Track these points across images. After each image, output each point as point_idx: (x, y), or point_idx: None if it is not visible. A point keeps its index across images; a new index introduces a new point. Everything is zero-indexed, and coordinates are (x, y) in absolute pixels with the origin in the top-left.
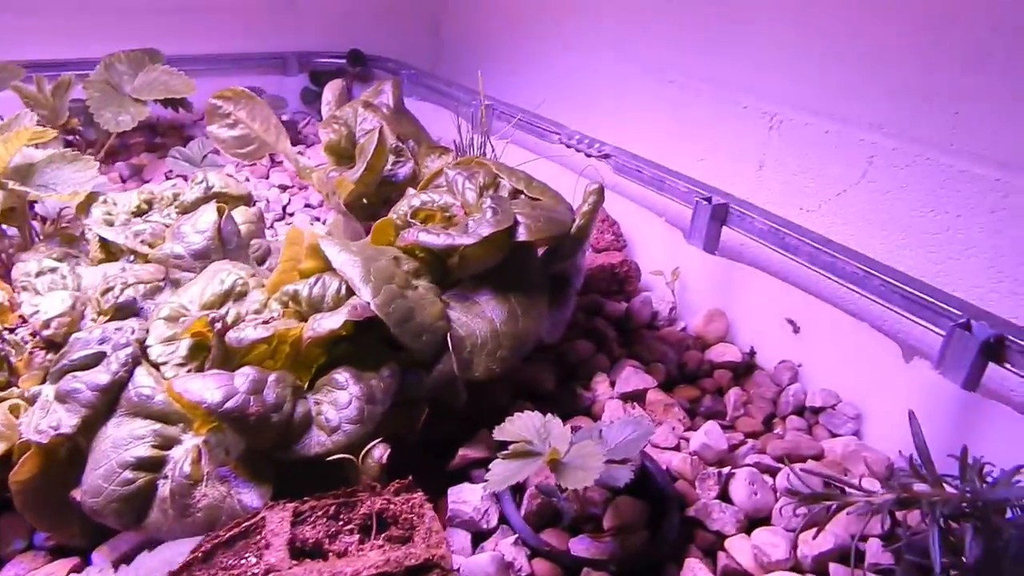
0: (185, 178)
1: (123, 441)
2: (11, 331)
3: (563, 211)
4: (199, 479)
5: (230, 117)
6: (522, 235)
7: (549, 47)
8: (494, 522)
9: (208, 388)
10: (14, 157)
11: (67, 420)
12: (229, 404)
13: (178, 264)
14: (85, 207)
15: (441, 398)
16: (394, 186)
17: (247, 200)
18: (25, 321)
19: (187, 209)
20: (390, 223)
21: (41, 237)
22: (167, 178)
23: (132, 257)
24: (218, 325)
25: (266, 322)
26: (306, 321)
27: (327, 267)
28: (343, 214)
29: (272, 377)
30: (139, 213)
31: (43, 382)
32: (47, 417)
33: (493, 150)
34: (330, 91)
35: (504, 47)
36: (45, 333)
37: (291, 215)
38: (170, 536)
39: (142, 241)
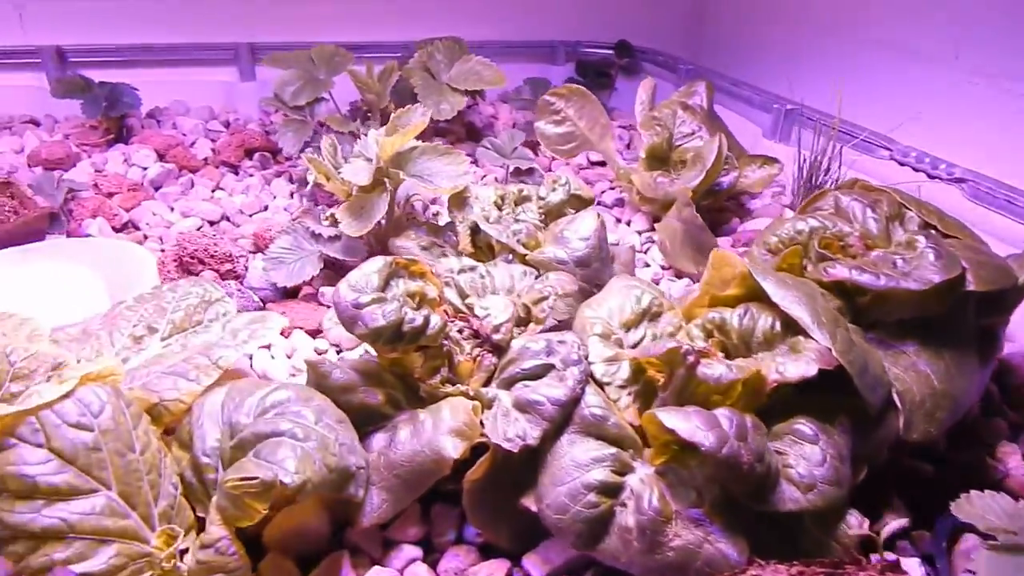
0: (497, 177)
1: (584, 462)
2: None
3: (997, 256)
4: (670, 516)
5: (560, 114)
6: (970, 284)
7: (837, 40)
8: None
9: (699, 429)
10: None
11: (531, 432)
12: (725, 450)
13: (560, 269)
14: (458, 200)
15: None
16: (717, 194)
17: (592, 203)
18: (457, 318)
19: (552, 211)
20: (798, 252)
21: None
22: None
23: (510, 256)
24: (691, 358)
25: (724, 355)
26: (728, 353)
27: (751, 296)
28: (684, 222)
29: (749, 423)
30: (496, 208)
31: (486, 384)
32: (511, 426)
33: (839, 167)
34: (644, 90)
35: (780, 39)
36: (495, 337)
37: None
38: (628, 567)
39: (518, 240)
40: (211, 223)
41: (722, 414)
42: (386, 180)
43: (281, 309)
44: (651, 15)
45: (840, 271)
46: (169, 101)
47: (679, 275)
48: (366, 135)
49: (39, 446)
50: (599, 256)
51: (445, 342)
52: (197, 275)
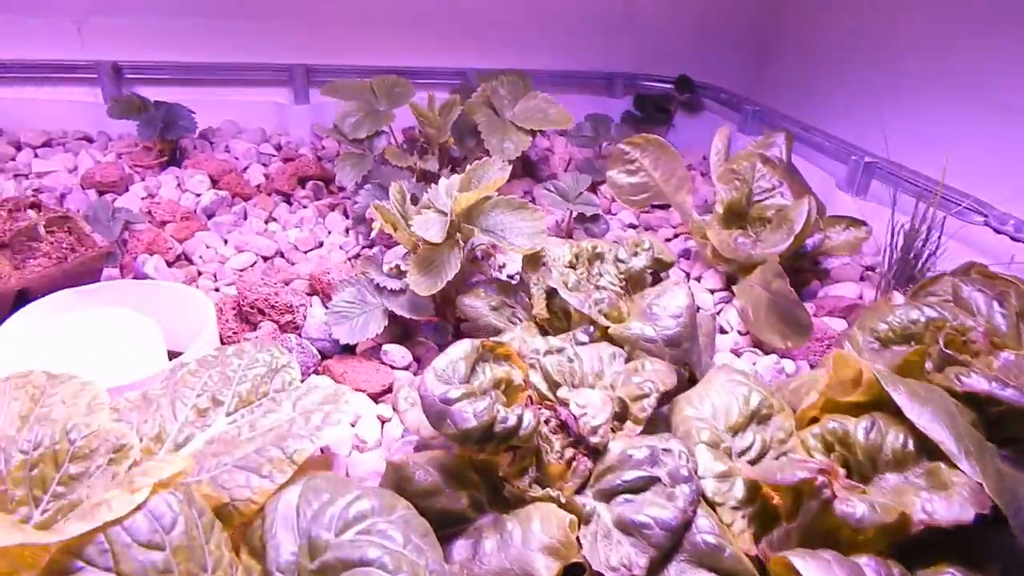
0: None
1: None
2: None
3: None
4: None
5: (634, 164)
6: None
7: (914, 87)
8: None
9: None
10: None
11: (637, 560)
12: None
13: (648, 348)
14: (533, 260)
15: None
16: (798, 257)
17: (672, 265)
18: (544, 406)
19: (634, 277)
20: (922, 354)
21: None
22: None
23: (591, 328)
24: (827, 492)
25: (858, 489)
26: (850, 470)
27: (875, 404)
28: (772, 294)
29: (897, 574)
30: (571, 268)
31: (579, 490)
32: (614, 550)
33: (940, 237)
34: (719, 140)
35: (857, 84)
36: (593, 440)
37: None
38: None
39: (600, 311)
40: (265, 259)
41: (868, 565)
42: (457, 235)
43: (342, 368)
44: (711, 49)
45: (978, 383)
46: (221, 121)
47: (758, 345)
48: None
49: (107, 570)
50: (689, 335)
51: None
52: (256, 325)
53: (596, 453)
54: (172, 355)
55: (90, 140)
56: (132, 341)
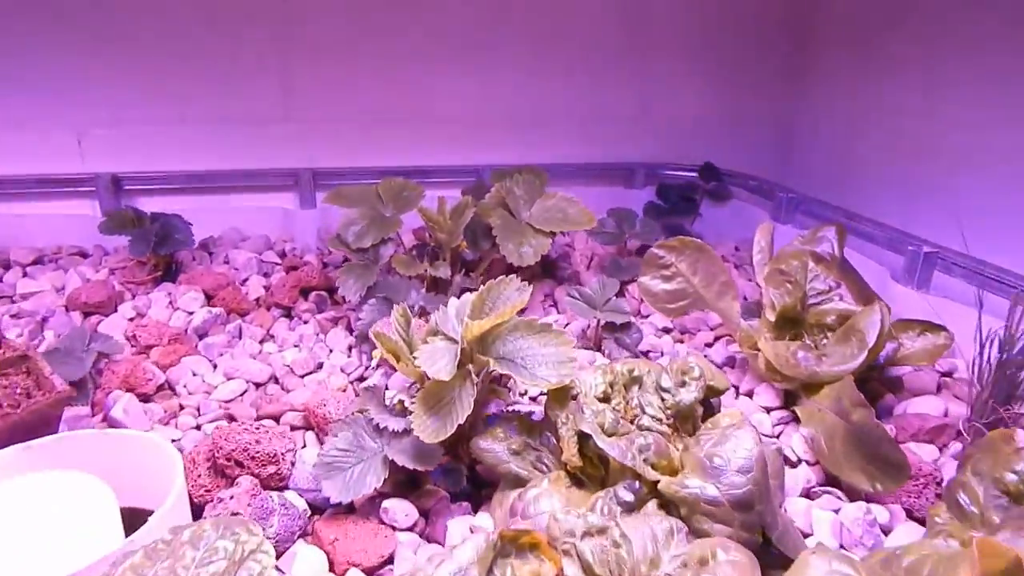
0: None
1: None
2: None
3: None
4: None
5: (669, 268)
6: None
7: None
8: None
9: None
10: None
11: None
12: None
13: (710, 513)
14: (561, 396)
15: None
16: (871, 369)
17: (726, 391)
18: None
19: (683, 412)
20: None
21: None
22: (544, 310)
23: (637, 484)
24: None
25: None
26: None
27: None
28: (852, 424)
29: None
30: (605, 400)
31: None
32: None
33: None
34: (762, 236)
35: (896, 170)
36: None
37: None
38: None
39: (645, 460)
40: (257, 385)
41: None
42: (469, 366)
43: (332, 534)
44: (736, 134)
45: None
46: (225, 228)
47: (834, 483)
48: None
49: None
50: (762, 493)
51: None
52: (233, 480)
53: None
54: (140, 514)
55: (85, 255)
56: (84, 514)
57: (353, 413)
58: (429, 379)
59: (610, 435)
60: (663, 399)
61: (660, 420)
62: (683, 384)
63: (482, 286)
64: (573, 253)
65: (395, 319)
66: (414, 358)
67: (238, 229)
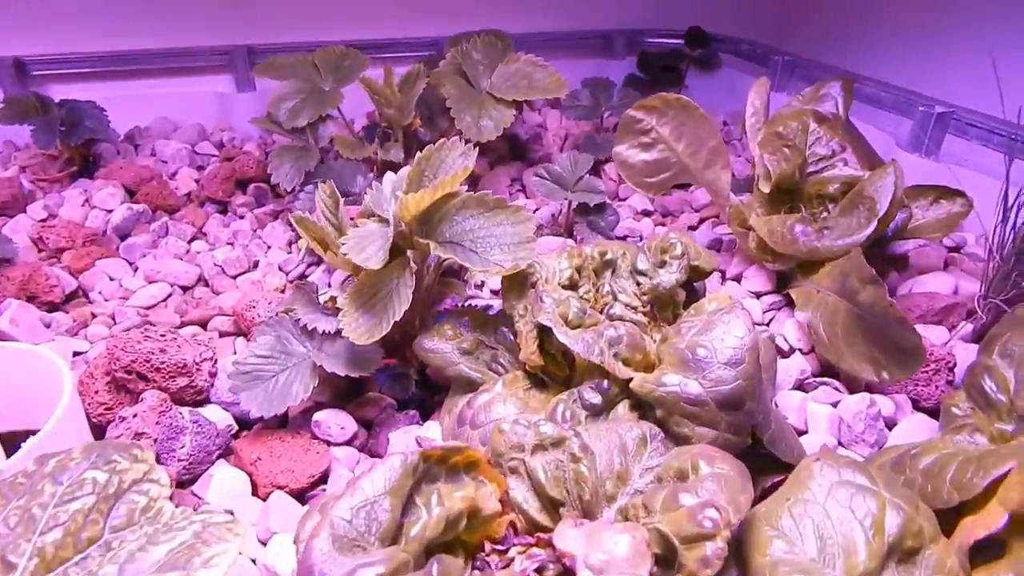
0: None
1: None
2: (501, 551)
3: None
4: None
5: (649, 134)
6: None
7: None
8: None
9: None
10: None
11: None
12: None
13: (692, 413)
14: (517, 283)
15: None
16: (876, 244)
17: (712, 272)
18: (537, 544)
19: (662, 298)
20: None
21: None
22: (511, 195)
23: (605, 382)
24: None
25: None
26: None
27: None
28: (859, 307)
29: None
30: (571, 287)
31: None
32: None
33: None
34: (756, 96)
35: (889, 17)
36: None
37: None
38: None
39: (616, 355)
40: (184, 289)
41: None
42: (409, 253)
43: (254, 452)
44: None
45: None
46: (153, 118)
47: (831, 373)
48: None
49: None
50: (753, 389)
51: None
52: (138, 395)
53: None
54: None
55: None
56: None
57: (278, 314)
58: (363, 272)
59: (575, 327)
60: (639, 283)
61: (635, 308)
62: (663, 264)
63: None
64: (545, 134)
65: (321, 199)
66: (342, 248)
67: (168, 119)
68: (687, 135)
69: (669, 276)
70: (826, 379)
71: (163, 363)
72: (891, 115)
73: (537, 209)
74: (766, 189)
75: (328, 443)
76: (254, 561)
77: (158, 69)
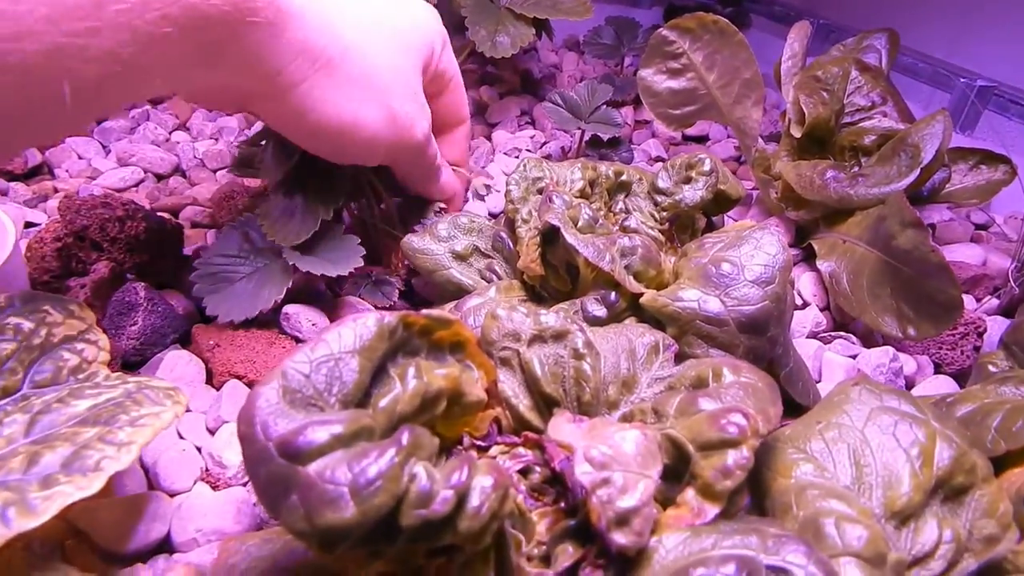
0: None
1: None
2: (482, 448)
3: None
4: None
5: (679, 59)
6: None
7: None
8: None
9: None
10: None
11: None
12: None
13: (709, 333)
14: (527, 187)
15: None
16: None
17: (739, 203)
18: (525, 444)
19: (683, 217)
20: None
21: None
22: (519, 127)
23: (613, 294)
24: None
25: None
26: None
27: None
28: (888, 251)
29: None
30: (583, 197)
31: None
32: None
33: None
34: (795, 37)
35: None
36: (618, 539)
37: None
38: None
39: (627, 267)
40: (158, 177)
41: None
42: None
43: (212, 339)
44: None
45: None
46: None
47: (848, 328)
48: None
49: None
50: (780, 314)
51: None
52: (91, 266)
53: (624, 563)
54: None
55: None
56: None
57: (244, 212)
58: None
59: (585, 235)
60: (657, 201)
61: (651, 227)
62: (687, 181)
63: None
64: (560, 75)
65: None
66: None
67: None
68: (720, 64)
69: (694, 192)
70: (842, 333)
71: (121, 234)
72: (925, 87)
73: (545, 143)
74: (797, 134)
75: (296, 339)
76: (199, 450)
77: None
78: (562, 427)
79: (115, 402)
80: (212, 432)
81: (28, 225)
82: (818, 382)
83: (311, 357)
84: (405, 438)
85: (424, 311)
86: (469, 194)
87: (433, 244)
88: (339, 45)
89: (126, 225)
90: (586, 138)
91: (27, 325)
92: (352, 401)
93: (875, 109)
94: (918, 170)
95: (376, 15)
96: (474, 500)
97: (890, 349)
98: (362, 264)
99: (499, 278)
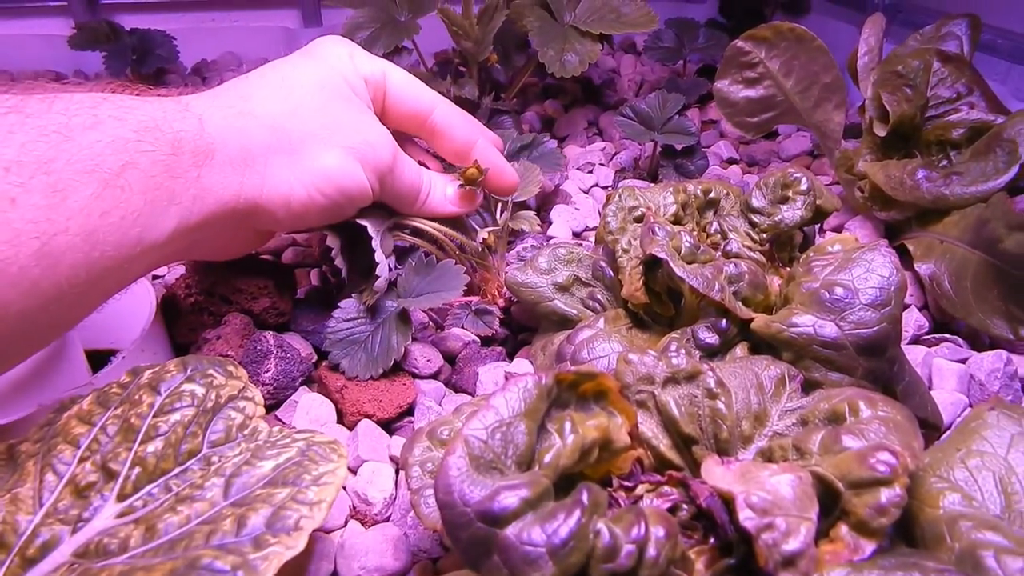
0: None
1: None
2: (629, 488)
3: None
4: None
5: (756, 68)
6: None
7: None
8: None
9: None
10: None
11: None
12: None
13: (826, 358)
14: (624, 217)
15: None
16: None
17: (830, 214)
18: (668, 482)
19: (782, 237)
20: None
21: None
22: (588, 139)
23: (724, 321)
24: None
25: None
26: None
27: None
28: (992, 253)
29: None
30: (676, 223)
31: None
32: None
33: None
34: (871, 32)
35: None
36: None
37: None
38: None
39: (735, 293)
40: None
41: None
42: None
43: (340, 380)
44: None
45: None
46: (220, 52)
47: (950, 330)
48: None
49: None
50: (898, 334)
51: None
52: (220, 319)
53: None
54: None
55: (64, 79)
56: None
57: None
58: None
59: (688, 263)
60: (753, 223)
61: (750, 248)
62: (784, 200)
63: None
64: (619, 79)
65: None
66: None
67: (234, 53)
68: (798, 70)
69: (793, 212)
70: (946, 335)
71: (243, 285)
72: (1003, 63)
73: (616, 153)
74: (882, 133)
75: (414, 376)
76: (344, 488)
77: (224, 2)
78: (713, 471)
79: (294, 461)
80: (353, 471)
81: (153, 278)
82: (930, 389)
83: (485, 424)
84: (586, 497)
85: (572, 368)
86: (551, 216)
87: (536, 277)
88: (267, 132)
89: (248, 274)
90: (659, 148)
91: (200, 391)
92: (524, 460)
93: (961, 100)
94: (1016, 167)
95: (283, 82)
96: (651, 551)
97: (1003, 352)
98: (467, 285)
99: (601, 306)
